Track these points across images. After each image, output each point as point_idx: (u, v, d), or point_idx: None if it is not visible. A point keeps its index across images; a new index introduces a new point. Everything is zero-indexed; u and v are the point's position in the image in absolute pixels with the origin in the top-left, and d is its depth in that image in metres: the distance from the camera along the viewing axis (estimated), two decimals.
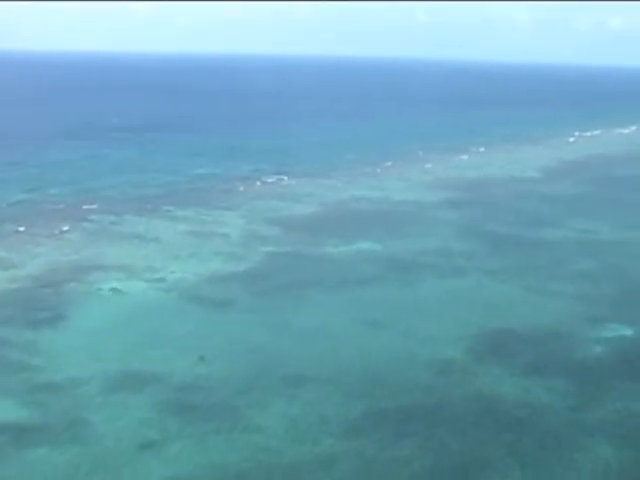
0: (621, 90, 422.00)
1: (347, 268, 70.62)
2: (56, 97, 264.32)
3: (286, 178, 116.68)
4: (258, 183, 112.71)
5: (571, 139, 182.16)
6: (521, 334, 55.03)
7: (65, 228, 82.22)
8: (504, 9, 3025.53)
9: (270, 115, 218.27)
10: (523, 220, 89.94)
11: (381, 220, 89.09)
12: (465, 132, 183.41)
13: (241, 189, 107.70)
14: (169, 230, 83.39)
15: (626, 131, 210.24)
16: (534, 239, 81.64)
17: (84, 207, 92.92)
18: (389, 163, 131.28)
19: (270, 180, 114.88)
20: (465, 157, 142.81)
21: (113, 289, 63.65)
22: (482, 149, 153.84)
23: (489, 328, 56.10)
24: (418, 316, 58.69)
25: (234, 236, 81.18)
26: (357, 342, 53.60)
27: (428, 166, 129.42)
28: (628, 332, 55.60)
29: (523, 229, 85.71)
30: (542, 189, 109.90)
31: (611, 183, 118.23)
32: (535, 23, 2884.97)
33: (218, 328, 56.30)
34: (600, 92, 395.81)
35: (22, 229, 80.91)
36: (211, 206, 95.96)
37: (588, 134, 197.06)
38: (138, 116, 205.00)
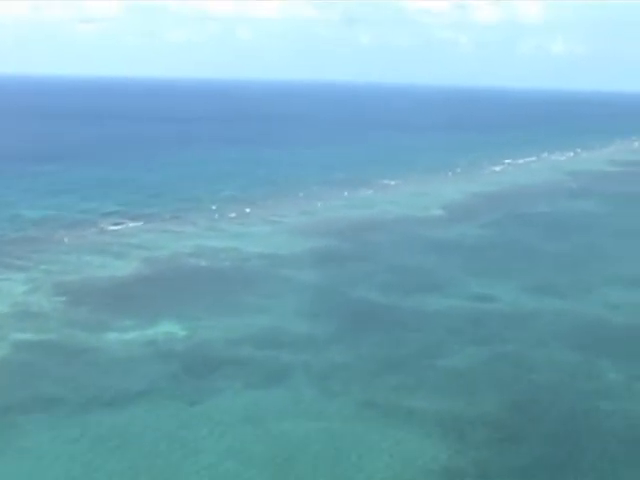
0: (564, 114, 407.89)
1: (114, 373, 47.78)
2: None
3: (138, 223, 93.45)
4: (93, 230, 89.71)
5: (498, 168, 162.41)
6: None
7: None
8: (447, 32, 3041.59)
9: (187, 141, 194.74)
10: (401, 282, 67.96)
11: (211, 284, 66.52)
12: (384, 161, 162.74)
13: (65, 240, 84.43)
14: None
15: (562, 158, 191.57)
16: (407, 313, 59.67)
17: None
18: (270, 201, 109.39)
19: (112, 227, 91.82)
20: (369, 192, 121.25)
21: None
22: (393, 182, 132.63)
23: None
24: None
25: None
26: None
27: (318, 205, 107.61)
28: None
29: (397, 296, 63.69)
30: (441, 234, 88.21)
31: (527, 224, 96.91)
32: (478, 46, 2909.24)
33: None
34: (543, 116, 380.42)
35: None
36: (2, 265, 72.82)
37: (520, 161, 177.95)
38: (40, 143, 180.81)
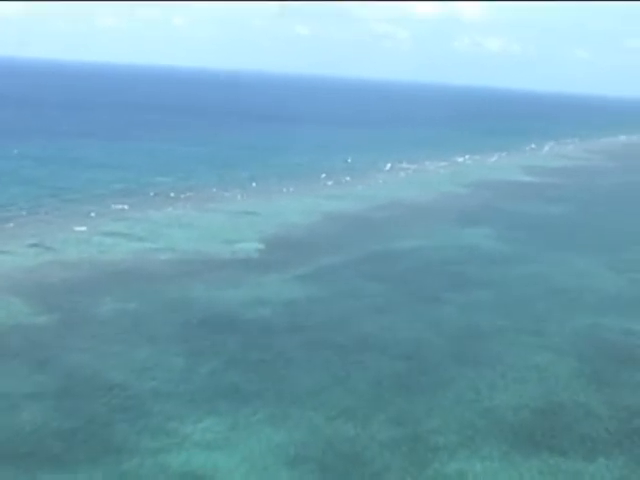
0: (498, 112, 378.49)
1: None
2: None
3: None
4: None
5: (393, 175, 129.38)
6: None
7: None
8: (385, 26, 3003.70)
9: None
10: (62, 434, 33.27)
11: None
12: (262, 161, 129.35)
13: None
14: None
15: (480, 163, 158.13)
16: None
17: None
18: (22, 225, 73.92)
19: None
20: (189, 211, 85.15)
21: None
22: (240, 195, 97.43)
23: None
24: None
25: None
26: None
27: (80, 232, 71.04)
28: None
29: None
30: (230, 295, 51.71)
31: (377, 276, 60.33)
32: (415, 42, 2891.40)
33: None
34: (475, 114, 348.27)
35: None
36: None
37: (430, 165, 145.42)
38: None
